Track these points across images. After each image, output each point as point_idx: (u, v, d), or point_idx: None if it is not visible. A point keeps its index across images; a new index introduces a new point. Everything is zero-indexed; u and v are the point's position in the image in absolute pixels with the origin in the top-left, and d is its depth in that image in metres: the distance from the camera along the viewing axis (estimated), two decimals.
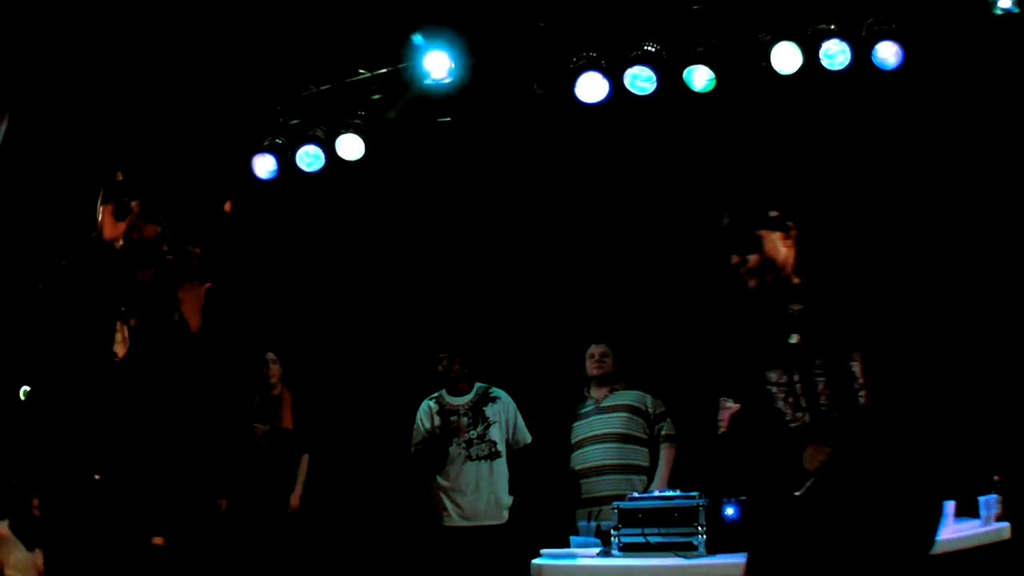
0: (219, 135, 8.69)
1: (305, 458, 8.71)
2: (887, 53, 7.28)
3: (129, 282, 5.31)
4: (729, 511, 6.04)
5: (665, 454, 7.80)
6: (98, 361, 5.20)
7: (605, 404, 7.94)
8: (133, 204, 5.32)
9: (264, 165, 8.69)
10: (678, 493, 6.37)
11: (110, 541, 5.00)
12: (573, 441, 7.95)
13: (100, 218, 5.22)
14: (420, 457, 8.17)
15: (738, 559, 5.68)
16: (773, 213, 4.59)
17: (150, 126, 8.45)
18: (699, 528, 6.00)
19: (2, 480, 7.30)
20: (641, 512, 6.21)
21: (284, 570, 8.36)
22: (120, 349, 5.68)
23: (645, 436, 7.85)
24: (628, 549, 6.22)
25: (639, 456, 7.82)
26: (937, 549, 5.61)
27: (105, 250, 5.17)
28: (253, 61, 8.28)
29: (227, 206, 8.82)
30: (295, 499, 8.55)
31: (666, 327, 8.61)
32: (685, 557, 5.96)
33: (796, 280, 4.58)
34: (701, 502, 6.09)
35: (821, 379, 4.34)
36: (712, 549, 5.96)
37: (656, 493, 6.53)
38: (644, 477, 7.74)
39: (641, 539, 6.15)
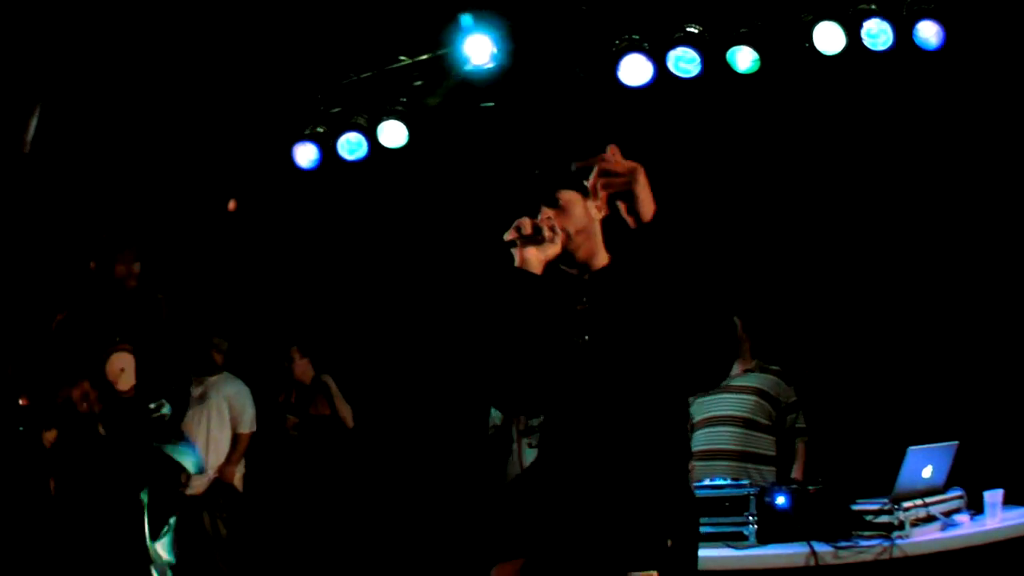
0: (260, 124, 8.68)
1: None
2: (928, 32, 7.18)
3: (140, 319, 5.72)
4: (780, 500, 5.97)
5: (800, 447, 7.39)
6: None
7: (735, 383, 7.46)
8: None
9: (305, 154, 8.67)
10: (728, 482, 6.29)
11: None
12: (695, 420, 7.45)
13: (118, 263, 5.61)
14: (490, 446, 8.14)
15: (789, 549, 5.66)
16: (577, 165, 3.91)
17: (190, 116, 8.46)
18: (750, 518, 5.94)
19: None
20: None
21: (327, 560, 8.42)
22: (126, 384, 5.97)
23: (771, 423, 7.37)
24: None
25: (763, 444, 7.39)
26: (984, 539, 5.64)
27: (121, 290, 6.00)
28: (293, 50, 8.25)
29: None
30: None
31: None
32: (736, 547, 5.91)
33: (601, 261, 4.02)
34: (752, 491, 6.02)
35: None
36: (763, 539, 5.90)
37: (740, 483, 6.35)
38: (771, 468, 7.34)
39: None
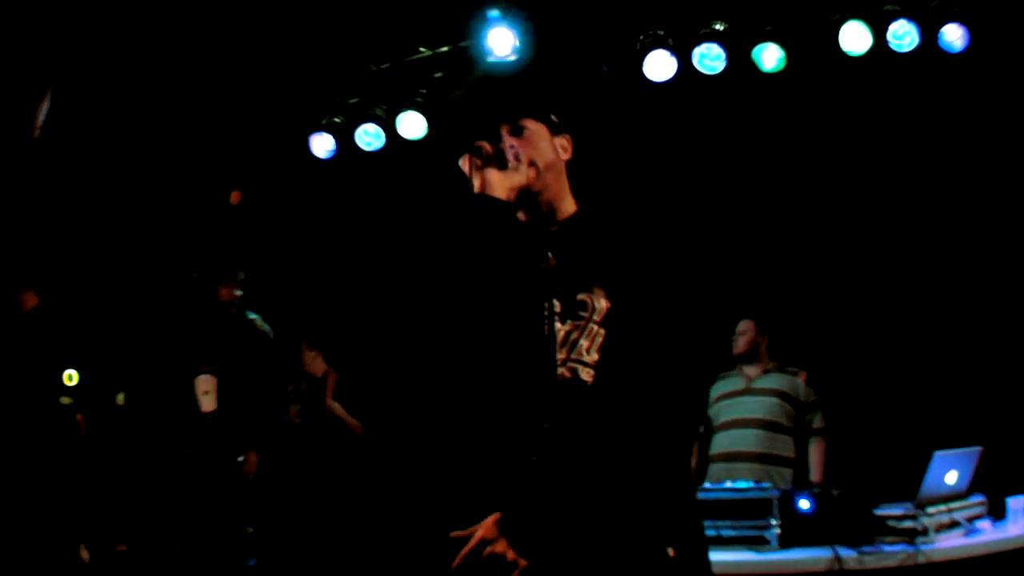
0: (277, 114, 8.63)
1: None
2: (953, 36, 7.15)
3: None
4: (803, 504, 5.93)
5: (816, 447, 7.32)
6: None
7: (755, 385, 7.47)
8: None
9: (322, 144, 8.62)
10: (751, 485, 6.25)
11: None
12: (717, 423, 7.46)
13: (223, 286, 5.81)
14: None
15: (812, 553, 5.62)
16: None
17: (206, 105, 8.42)
18: (772, 522, 5.89)
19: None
20: (713, 504, 6.10)
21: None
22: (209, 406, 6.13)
23: (791, 425, 7.33)
24: None
25: (784, 446, 7.34)
26: (1010, 544, 5.61)
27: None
28: (312, 39, 8.20)
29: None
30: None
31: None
32: (758, 551, 5.86)
33: (568, 208, 3.48)
34: (775, 494, 5.98)
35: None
36: (785, 543, 5.86)
37: (749, 485, 6.31)
38: (790, 469, 7.29)
39: (713, 532, 6.04)
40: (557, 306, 3.30)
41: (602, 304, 3.27)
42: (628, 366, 3.19)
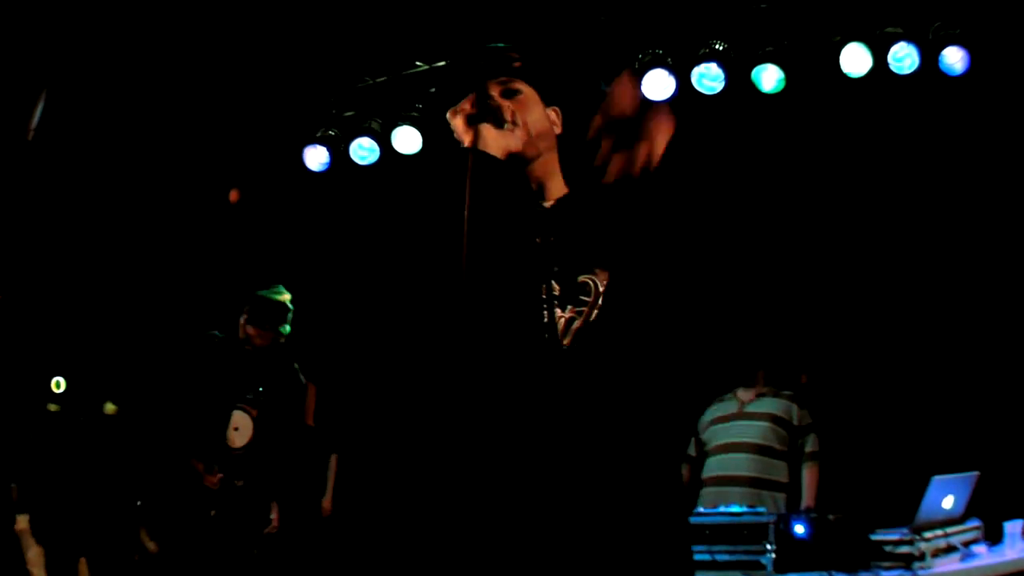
0: (271, 125, 8.58)
1: (334, 458, 8.64)
2: (954, 58, 7.14)
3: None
4: (799, 528, 5.88)
5: (809, 472, 7.21)
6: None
7: (749, 409, 7.41)
8: None
9: (316, 157, 8.55)
10: (746, 509, 6.20)
11: None
12: (710, 447, 7.39)
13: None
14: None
15: None
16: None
17: (199, 114, 8.37)
18: (768, 547, 5.84)
19: (27, 478, 7.42)
20: (708, 528, 6.04)
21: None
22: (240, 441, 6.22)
23: (785, 449, 7.25)
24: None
25: (777, 471, 7.27)
26: (1007, 568, 5.58)
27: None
28: (308, 50, 8.15)
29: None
30: (327, 503, 8.48)
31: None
32: None
33: (559, 187, 3.21)
34: (770, 519, 5.93)
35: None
36: (781, 568, 5.81)
37: (744, 509, 6.27)
38: (784, 494, 7.21)
39: (708, 556, 5.98)
40: (556, 288, 3.01)
41: (603, 289, 3.00)
42: (618, 344, 2.93)
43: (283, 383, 6.81)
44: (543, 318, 2.97)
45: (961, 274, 7.91)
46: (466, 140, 3.03)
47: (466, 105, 3.09)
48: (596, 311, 2.97)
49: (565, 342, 2.96)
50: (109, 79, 8.01)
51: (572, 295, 3.00)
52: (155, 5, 7.57)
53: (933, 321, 7.95)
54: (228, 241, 8.92)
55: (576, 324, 2.97)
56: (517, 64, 3.21)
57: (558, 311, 2.99)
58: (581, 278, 3.02)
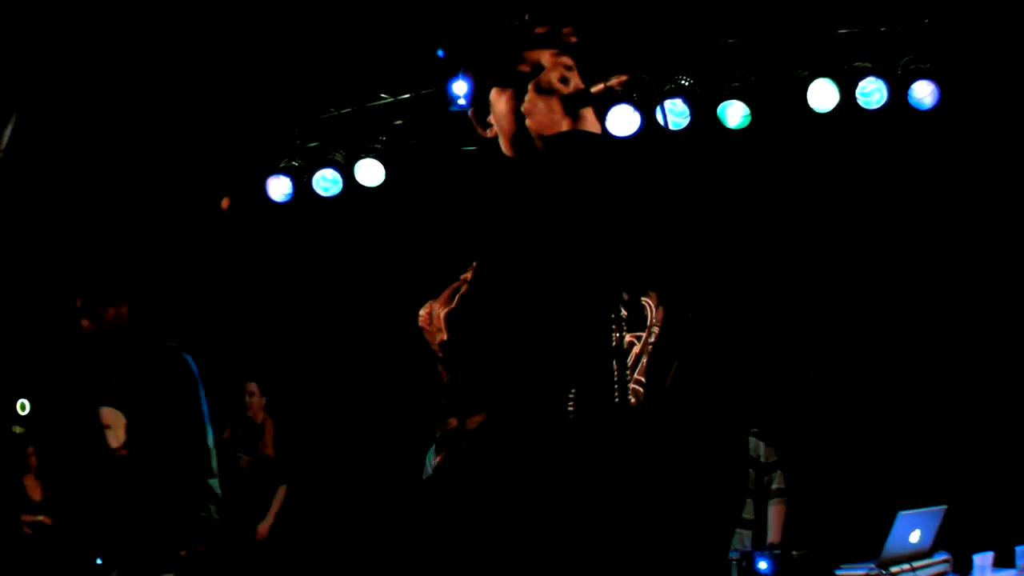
0: (234, 154, 8.50)
1: (282, 489, 8.56)
2: (923, 92, 7.15)
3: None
4: (763, 565, 5.82)
5: (775, 510, 7.05)
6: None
7: None
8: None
9: (279, 187, 8.47)
10: None
11: None
12: None
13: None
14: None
15: None
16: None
17: (164, 140, 8.30)
18: None
19: None
20: None
21: None
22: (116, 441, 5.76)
23: (751, 487, 7.15)
24: None
25: (743, 508, 7.14)
26: None
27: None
28: (273, 80, 8.09)
29: (225, 203, 8.65)
30: (264, 528, 8.38)
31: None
32: None
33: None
34: (733, 555, 5.87)
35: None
36: None
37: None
38: (748, 531, 7.02)
39: None
40: (623, 312, 2.62)
41: (658, 313, 2.74)
42: (688, 380, 2.66)
43: (148, 370, 6.04)
44: (612, 342, 2.58)
45: (925, 310, 7.90)
46: (546, 118, 2.71)
47: (578, 82, 2.78)
48: (653, 339, 2.71)
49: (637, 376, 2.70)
50: (70, 109, 7.93)
51: (635, 319, 2.72)
52: (120, 35, 7.51)
53: (898, 355, 7.94)
54: (189, 269, 8.84)
55: (636, 349, 2.71)
56: (574, 39, 2.94)
57: (626, 335, 2.67)
58: (642, 299, 2.75)
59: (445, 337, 2.67)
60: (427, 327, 2.77)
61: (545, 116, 2.72)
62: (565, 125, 2.72)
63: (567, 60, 2.86)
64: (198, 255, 8.90)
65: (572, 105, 2.75)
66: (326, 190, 8.39)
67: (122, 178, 8.46)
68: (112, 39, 7.51)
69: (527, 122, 2.74)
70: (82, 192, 8.31)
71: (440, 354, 2.72)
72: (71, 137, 8.06)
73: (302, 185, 8.40)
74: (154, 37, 7.57)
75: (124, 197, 8.45)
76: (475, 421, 2.65)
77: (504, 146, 2.87)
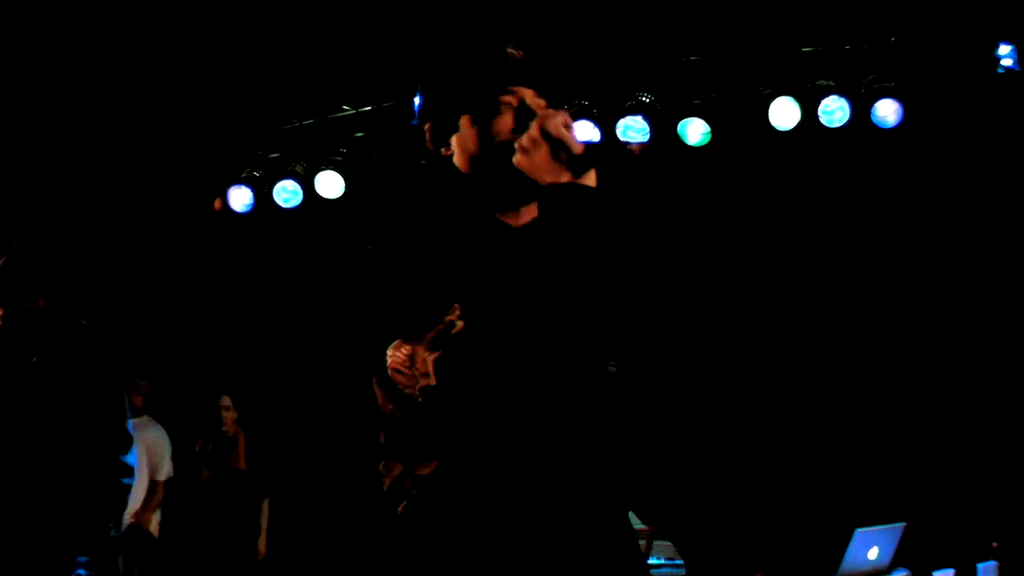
0: (195, 164, 8.45)
1: (266, 503, 8.52)
2: (887, 111, 7.19)
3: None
4: None
5: None
6: None
7: None
8: None
9: (239, 198, 8.42)
10: (663, 561, 6.14)
11: None
12: None
13: None
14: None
15: None
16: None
17: (124, 147, 8.25)
18: None
19: None
20: None
21: None
22: None
23: None
24: None
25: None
26: None
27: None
28: (235, 91, 8.05)
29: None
30: (262, 546, 8.34)
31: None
32: None
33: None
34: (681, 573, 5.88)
35: None
36: None
37: (662, 561, 6.22)
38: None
39: None
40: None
41: None
42: None
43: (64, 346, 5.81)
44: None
45: (885, 326, 7.94)
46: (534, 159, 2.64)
47: (572, 139, 2.67)
48: None
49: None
50: (38, 115, 7.89)
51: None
52: (86, 44, 7.48)
53: (853, 370, 7.97)
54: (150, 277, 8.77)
55: None
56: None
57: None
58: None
59: (433, 383, 2.63)
60: (404, 370, 2.74)
61: (546, 161, 2.67)
62: (566, 177, 2.67)
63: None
64: (158, 266, 8.84)
65: (579, 162, 2.69)
66: (286, 201, 8.34)
67: (87, 185, 8.40)
68: (76, 45, 7.48)
69: (517, 158, 2.68)
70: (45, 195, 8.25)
71: (419, 398, 2.68)
72: (25, 139, 8.00)
73: (262, 196, 8.36)
74: (118, 45, 7.54)
75: (92, 204, 8.38)
76: (427, 468, 2.66)
77: (461, 164, 2.84)
